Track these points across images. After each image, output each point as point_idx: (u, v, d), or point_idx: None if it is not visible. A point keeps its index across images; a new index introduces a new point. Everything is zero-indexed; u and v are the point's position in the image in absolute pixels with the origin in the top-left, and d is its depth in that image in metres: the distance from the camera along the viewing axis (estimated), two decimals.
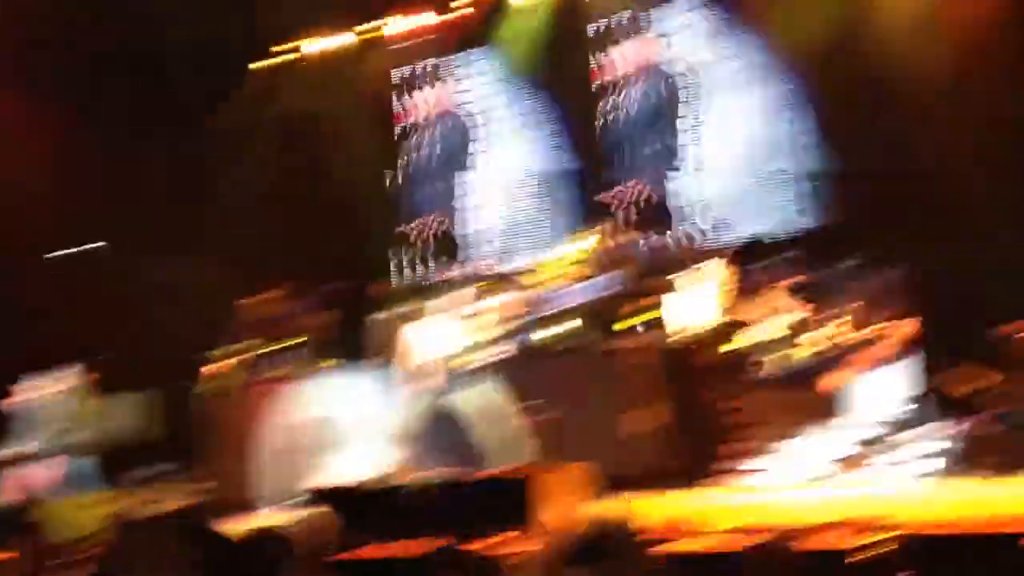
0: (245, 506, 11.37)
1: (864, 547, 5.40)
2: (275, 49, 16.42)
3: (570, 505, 7.35)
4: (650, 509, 7.18)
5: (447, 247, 13.88)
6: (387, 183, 16.09)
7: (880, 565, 5.37)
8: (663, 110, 14.90)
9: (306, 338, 12.82)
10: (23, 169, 14.87)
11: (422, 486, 7.40)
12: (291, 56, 16.30)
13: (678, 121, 14.71)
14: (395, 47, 16.46)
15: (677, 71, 14.60)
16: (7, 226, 14.75)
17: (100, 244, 16.43)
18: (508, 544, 6.33)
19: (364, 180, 15.76)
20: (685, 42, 14.67)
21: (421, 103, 16.17)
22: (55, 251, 16.05)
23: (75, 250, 16.39)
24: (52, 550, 6.46)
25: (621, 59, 14.93)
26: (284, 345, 12.84)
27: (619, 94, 14.97)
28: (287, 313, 13.07)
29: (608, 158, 14.98)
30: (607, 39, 15.16)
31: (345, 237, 14.81)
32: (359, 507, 7.41)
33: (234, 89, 15.97)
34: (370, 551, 6.25)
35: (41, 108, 14.89)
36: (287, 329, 13.03)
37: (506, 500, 6.92)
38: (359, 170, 15.66)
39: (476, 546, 5.36)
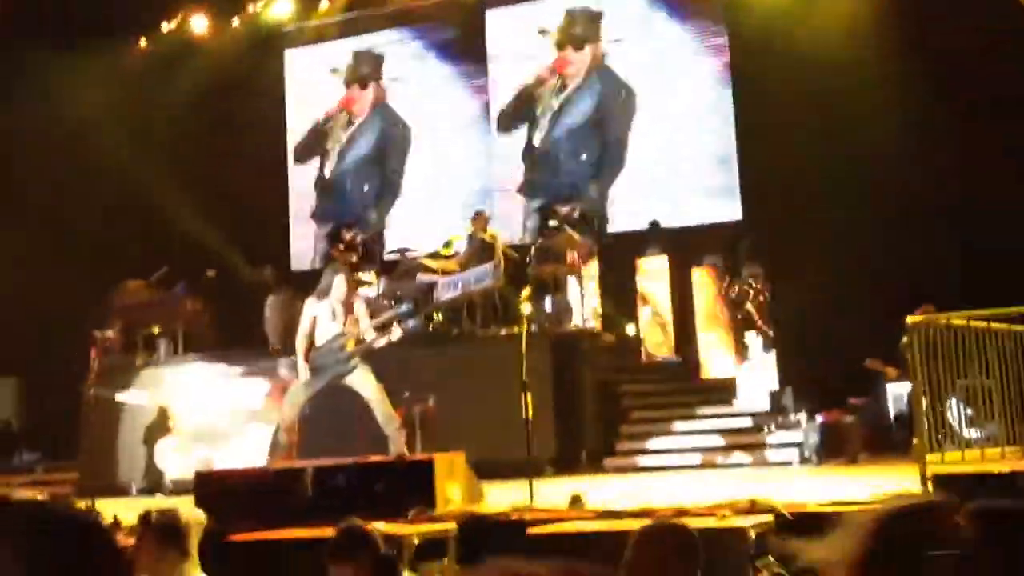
0: (118, 491, 11.08)
1: (745, 527, 5.60)
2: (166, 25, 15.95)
3: (468, 488, 7.40)
4: (538, 493, 7.28)
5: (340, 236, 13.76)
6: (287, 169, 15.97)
7: (759, 543, 5.58)
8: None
9: (183, 324, 12.55)
10: None
11: (330, 469, 7.32)
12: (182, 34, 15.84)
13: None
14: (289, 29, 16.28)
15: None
16: None
17: None
18: (415, 523, 6.34)
19: (258, 167, 15.48)
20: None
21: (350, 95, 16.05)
22: None
23: None
24: None
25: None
26: (159, 331, 12.55)
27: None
28: (161, 300, 12.77)
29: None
30: None
31: (238, 222, 14.46)
32: (252, 492, 7.32)
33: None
34: (270, 534, 6.16)
35: None
36: (161, 315, 12.73)
37: (412, 483, 6.92)
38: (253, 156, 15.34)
39: (384, 526, 5.33)
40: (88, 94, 14.46)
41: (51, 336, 13.40)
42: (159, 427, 11.42)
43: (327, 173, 16.25)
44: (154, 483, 11.14)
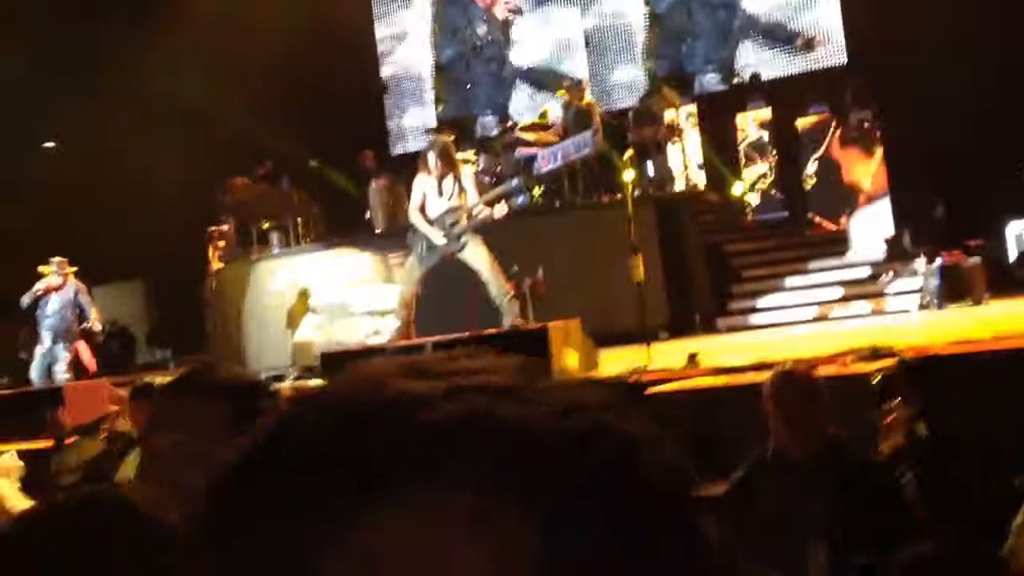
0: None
1: (868, 373, 5.54)
2: None
3: (584, 354, 7.45)
4: (659, 356, 7.31)
5: None
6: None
7: (884, 388, 5.51)
8: None
9: (293, 215, 12.77)
10: None
11: (447, 343, 7.45)
12: None
13: None
14: None
15: None
16: None
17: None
18: None
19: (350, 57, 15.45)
20: None
21: None
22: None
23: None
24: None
25: None
26: (270, 224, 12.81)
27: None
28: (268, 194, 13.00)
29: None
30: None
31: (331, 112, 14.55)
32: None
33: None
34: None
35: None
36: (271, 209, 12.98)
37: (528, 352, 6.97)
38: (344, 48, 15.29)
39: None
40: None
41: (167, 238, 13.79)
42: (299, 309, 11.54)
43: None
44: (302, 363, 11.15)
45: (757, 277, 11.36)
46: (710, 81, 13.85)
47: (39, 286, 10.36)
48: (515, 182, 9.31)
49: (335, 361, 7.96)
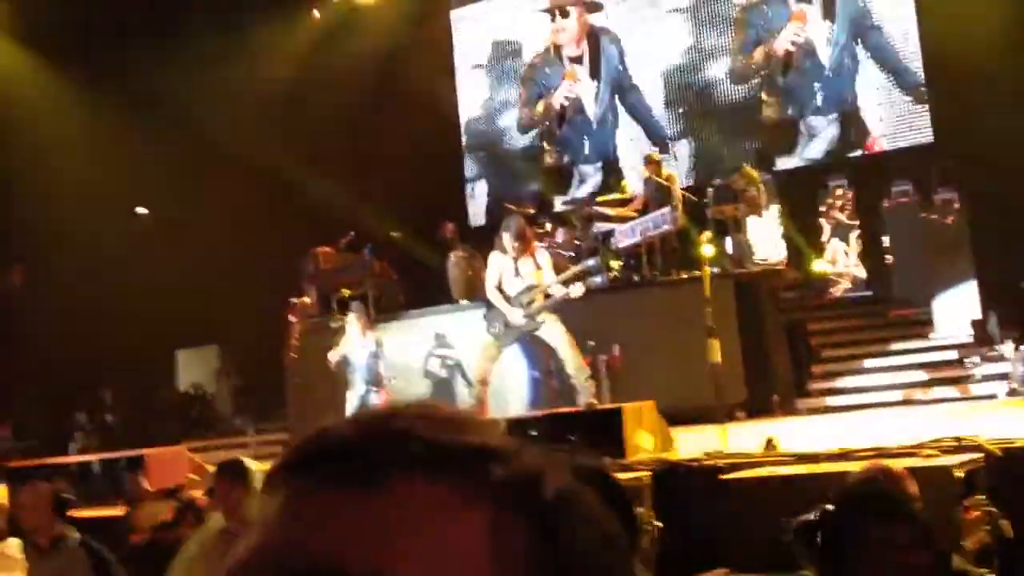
0: None
1: (952, 465, 5.38)
2: None
3: (658, 435, 7.37)
4: (730, 438, 7.20)
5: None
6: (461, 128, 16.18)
7: (967, 482, 5.35)
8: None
9: (373, 286, 12.95)
10: None
11: (522, 421, 7.45)
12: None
13: None
14: None
15: None
16: None
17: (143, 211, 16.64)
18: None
19: (431, 126, 15.73)
20: None
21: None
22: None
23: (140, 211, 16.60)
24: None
25: None
26: (350, 293, 12.99)
27: None
28: (350, 263, 13.20)
29: None
30: None
31: (413, 183, 14.83)
32: None
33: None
34: None
35: None
36: (352, 278, 13.17)
37: (602, 431, 6.95)
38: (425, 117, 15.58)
39: None
40: (276, 62, 15.16)
41: (247, 305, 14.09)
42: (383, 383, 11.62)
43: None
44: None
45: (837, 357, 11.17)
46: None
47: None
48: (592, 262, 9.31)
49: None
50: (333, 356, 10.87)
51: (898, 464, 5.74)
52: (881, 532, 2.84)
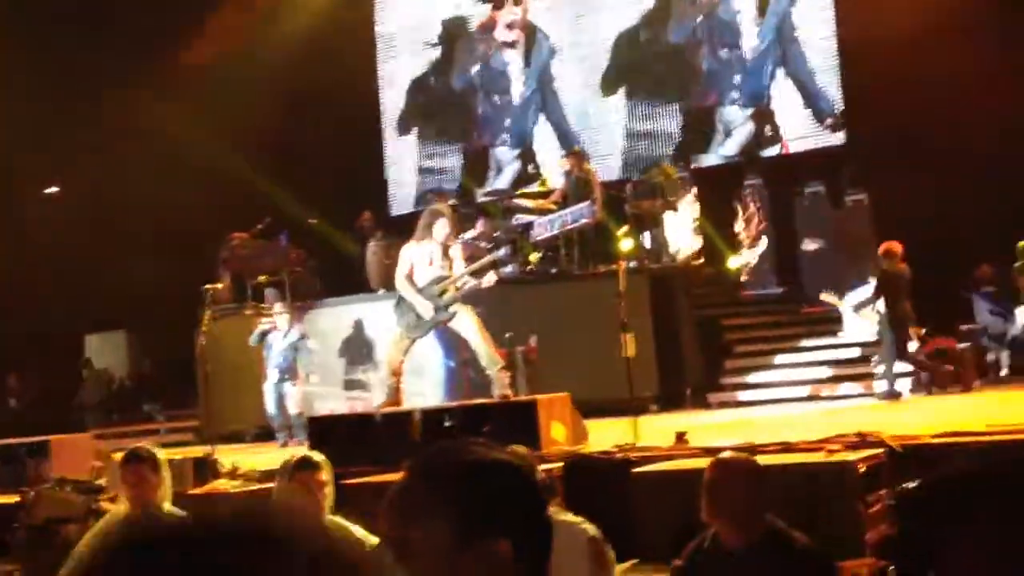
0: (237, 438, 11.43)
1: (854, 461, 5.53)
2: None
3: (572, 427, 7.42)
4: (642, 431, 7.29)
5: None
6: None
7: (869, 476, 5.50)
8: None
9: (289, 272, 12.80)
10: None
11: (437, 411, 7.42)
12: None
13: None
14: None
15: None
16: None
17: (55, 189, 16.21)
18: None
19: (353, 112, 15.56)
20: None
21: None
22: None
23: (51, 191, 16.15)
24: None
25: None
26: (266, 279, 12.82)
27: None
28: (266, 250, 13.03)
29: None
30: None
31: (333, 170, 14.66)
32: (365, 435, 7.42)
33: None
34: (381, 476, 6.27)
35: None
36: (267, 265, 13.00)
37: (517, 424, 6.96)
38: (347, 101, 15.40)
39: None
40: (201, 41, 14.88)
41: (159, 289, 13.81)
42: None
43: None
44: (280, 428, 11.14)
45: (749, 353, 11.38)
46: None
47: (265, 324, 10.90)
48: (503, 251, 9.34)
49: (324, 427, 7.94)
50: (253, 339, 10.87)
51: (802, 459, 5.89)
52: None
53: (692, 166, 13.33)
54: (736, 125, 14.00)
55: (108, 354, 15.77)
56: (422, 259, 8.24)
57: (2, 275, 14.60)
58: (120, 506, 4.59)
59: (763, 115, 13.85)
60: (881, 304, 9.73)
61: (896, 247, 9.73)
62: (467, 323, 8.21)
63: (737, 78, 14.06)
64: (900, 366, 10.22)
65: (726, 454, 4.15)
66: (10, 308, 14.46)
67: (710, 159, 14.05)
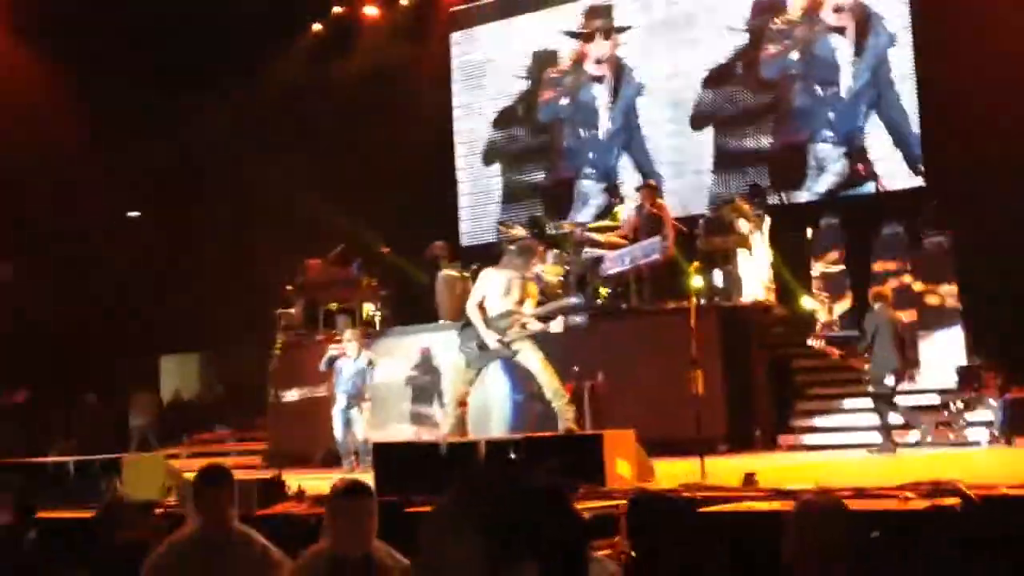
0: (305, 461, 11.50)
1: (929, 508, 5.37)
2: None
3: (638, 464, 7.32)
4: (710, 471, 7.17)
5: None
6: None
7: (945, 525, 5.34)
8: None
9: (360, 300, 12.92)
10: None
11: (502, 443, 7.37)
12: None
13: None
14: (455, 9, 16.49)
15: None
16: None
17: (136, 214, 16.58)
18: (585, 500, 6.31)
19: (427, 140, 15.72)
20: None
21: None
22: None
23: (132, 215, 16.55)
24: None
25: None
26: (337, 307, 12.96)
27: None
28: (339, 277, 13.17)
29: None
30: None
31: (406, 200, 14.82)
32: (429, 464, 7.39)
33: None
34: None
35: None
36: (340, 292, 13.14)
37: (582, 458, 6.88)
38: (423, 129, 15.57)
39: None
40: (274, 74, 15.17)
41: (233, 313, 14.04)
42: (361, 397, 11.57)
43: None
44: (347, 453, 11.19)
45: (822, 395, 11.16)
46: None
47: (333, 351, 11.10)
48: (575, 299, 9.21)
49: (389, 453, 7.93)
50: (322, 365, 11.00)
51: (875, 505, 5.74)
52: None
53: (769, 202, 13.19)
54: (830, 162, 13.90)
55: (182, 376, 16.07)
56: (497, 288, 8.20)
57: (82, 297, 14.97)
58: (188, 527, 4.63)
59: (857, 153, 13.70)
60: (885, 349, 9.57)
61: (887, 292, 9.62)
62: (531, 357, 8.16)
63: (831, 115, 13.98)
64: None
65: (811, 495, 4.01)
66: (88, 330, 14.82)
67: (801, 195, 13.93)
